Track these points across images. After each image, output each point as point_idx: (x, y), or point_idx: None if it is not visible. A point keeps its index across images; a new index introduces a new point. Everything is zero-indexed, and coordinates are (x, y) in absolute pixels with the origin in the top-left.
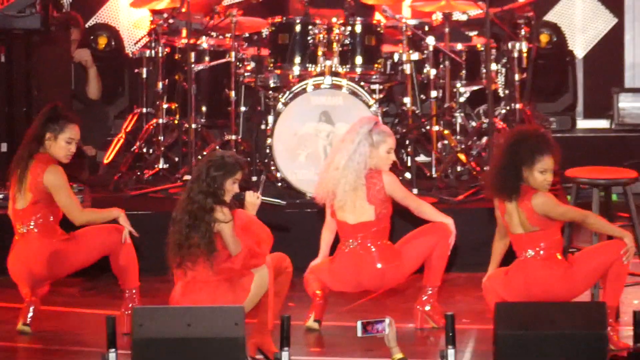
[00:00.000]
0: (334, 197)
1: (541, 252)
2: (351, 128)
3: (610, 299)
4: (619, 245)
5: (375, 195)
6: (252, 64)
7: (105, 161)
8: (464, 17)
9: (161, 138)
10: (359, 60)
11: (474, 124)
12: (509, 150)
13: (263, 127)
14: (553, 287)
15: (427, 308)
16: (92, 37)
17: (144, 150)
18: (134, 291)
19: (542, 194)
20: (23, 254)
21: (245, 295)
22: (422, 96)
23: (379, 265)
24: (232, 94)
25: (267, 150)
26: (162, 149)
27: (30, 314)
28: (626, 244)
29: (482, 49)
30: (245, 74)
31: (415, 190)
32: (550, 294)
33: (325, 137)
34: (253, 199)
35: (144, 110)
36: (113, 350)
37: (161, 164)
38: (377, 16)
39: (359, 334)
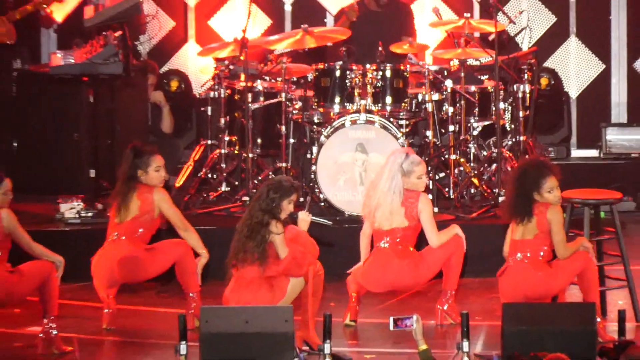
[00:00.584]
0: (377, 212)
1: (528, 254)
2: (387, 159)
3: (593, 298)
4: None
5: (410, 213)
6: (300, 103)
7: (177, 185)
8: (476, 64)
9: (223, 165)
10: (388, 100)
11: (485, 153)
12: (517, 182)
13: (308, 156)
14: (535, 286)
15: (446, 307)
16: (165, 81)
17: (209, 175)
18: (194, 295)
19: (558, 210)
20: (110, 256)
21: (282, 295)
22: (442, 130)
23: (401, 263)
24: (283, 128)
25: (312, 176)
26: (224, 174)
27: (108, 317)
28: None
29: (492, 90)
30: (294, 112)
31: (435, 209)
32: (531, 292)
33: (361, 165)
34: (305, 217)
35: (209, 142)
36: (184, 342)
37: (223, 187)
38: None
39: (391, 327)
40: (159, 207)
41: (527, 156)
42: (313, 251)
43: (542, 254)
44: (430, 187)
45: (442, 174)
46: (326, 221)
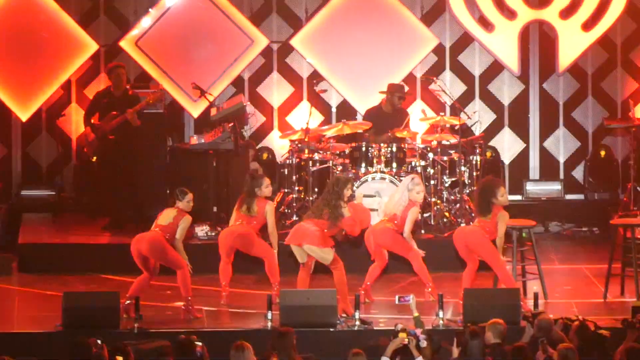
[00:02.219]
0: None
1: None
2: (403, 181)
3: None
4: None
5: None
6: (341, 167)
7: None
8: (447, 143)
9: (294, 204)
10: (394, 165)
11: (452, 197)
12: (481, 192)
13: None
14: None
15: (429, 290)
16: (259, 154)
17: (286, 211)
18: (275, 283)
19: (504, 214)
20: (233, 230)
21: (330, 244)
22: (426, 183)
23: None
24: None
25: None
26: (295, 210)
27: (224, 298)
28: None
29: (457, 159)
30: (337, 172)
31: (422, 231)
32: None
33: (377, 204)
34: (359, 194)
35: (285, 190)
36: (270, 312)
37: (294, 218)
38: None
39: (396, 302)
40: (266, 212)
41: (484, 178)
42: (365, 220)
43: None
44: (419, 218)
45: (426, 214)
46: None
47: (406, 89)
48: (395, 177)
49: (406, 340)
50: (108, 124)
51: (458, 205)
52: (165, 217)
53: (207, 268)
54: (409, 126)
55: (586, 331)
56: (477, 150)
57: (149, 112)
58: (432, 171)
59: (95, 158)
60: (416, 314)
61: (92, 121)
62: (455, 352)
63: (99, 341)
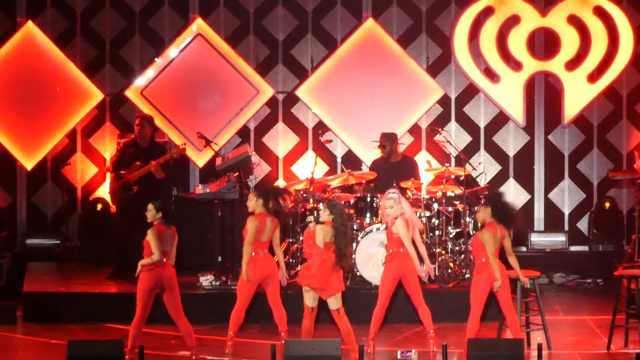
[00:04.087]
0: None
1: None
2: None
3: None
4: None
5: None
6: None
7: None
8: (452, 194)
9: (298, 254)
10: None
11: (457, 248)
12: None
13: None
14: None
15: (432, 342)
16: None
17: (290, 261)
18: (283, 334)
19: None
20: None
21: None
22: (431, 234)
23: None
24: None
25: (353, 261)
26: (300, 259)
27: (229, 347)
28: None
29: (462, 210)
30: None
31: (426, 281)
32: None
33: (382, 255)
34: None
35: (290, 240)
36: None
37: (298, 268)
38: (408, 193)
39: (398, 357)
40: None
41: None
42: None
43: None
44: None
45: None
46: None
47: (404, 135)
48: None
49: None
50: (132, 175)
51: (462, 256)
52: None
53: (211, 318)
54: (418, 177)
55: None
56: (482, 201)
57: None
58: (436, 222)
59: (116, 207)
60: None
61: (120, 171)
62: None
63: None
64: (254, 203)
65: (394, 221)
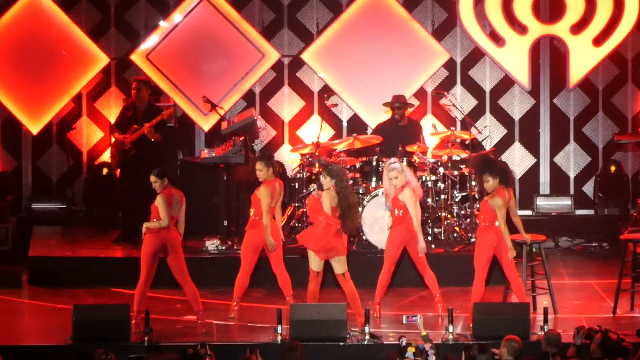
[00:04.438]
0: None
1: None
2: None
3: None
4: None
5: None
6: (351, 181)
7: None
8: (458, 158)
9: (305, 218)
10: None
11: (462, 212)
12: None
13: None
14: None
15: (440, 305)
16: None
17: (297, 225)
18: (288, 298)
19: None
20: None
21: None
22: (437, 198)
23: None
24: None
25: (359, 225)
26: (307, 224)
27: (234, 311)
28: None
29: (467, 174)
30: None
31: (433, 245)
32: None
33: (388, 218)
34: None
35: (296, 204)
36: (280, 326)
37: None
38: (414, 157)
39: (404, 321)
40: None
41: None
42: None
43: None
44: (429, 232)
45: (437, 229)
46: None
47: (411, 99)
48: None
49: (415, 358)
50: (129, 138)
51: (468, 219)
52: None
53: (217, 282)
54: (423, 140)
55: (609, 343)
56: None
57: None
58: (442, 186)
59: (118, 171)
60: (424, 333)
61: (116, 134)
62: None
63: (104, 353)
64: (264, 173)
65: (401, 189)
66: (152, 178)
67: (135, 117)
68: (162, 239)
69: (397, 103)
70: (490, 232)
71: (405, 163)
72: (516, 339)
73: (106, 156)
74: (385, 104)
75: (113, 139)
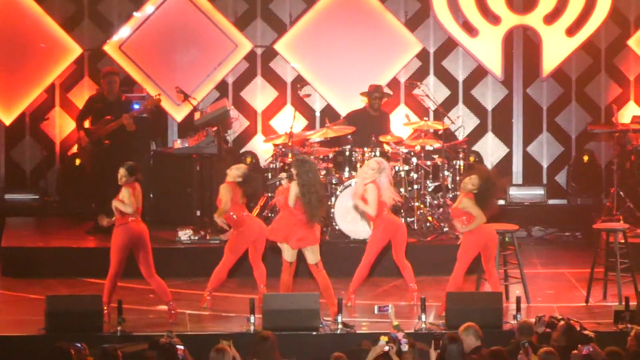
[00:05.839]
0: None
1: None
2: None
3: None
4: None
5: None
6: (325, 171)
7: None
8: (431, 148)
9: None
10: None
11: (435, 202)
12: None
13: (330, 203)
14: None
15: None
16: (243, 158)
17: (269, 215)
18: (262, 287)
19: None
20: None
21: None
22: (409, 188)
23: None
24: None
25: (331, 215)
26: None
27: (206, 301)
28: None
29: (440, 164)
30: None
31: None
32: None
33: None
34: None
35: (269, 194)
36: (253, 315)
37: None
38: (387, 147)
39: (376, 311)
40: None
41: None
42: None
43: None
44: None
45: (410, 219)
46: None
47: (386, 90)
48: None
49: (387, 347)
50: (103, 129)
51: (441, 209)
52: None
53: (190, 272)
54: (390, 129)
55: (572, 332)
56: (461, 155)
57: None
58: (415, 176)
59: (88, 163)
60: (396, 323)
61: (87, 126)
62: (434, 355)
63: (79, 345)
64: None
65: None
66: (122, 171)
67: (105, 108)
68: (132, 232)
69: (377, 93)
70: (480, 231)
71: (378, 154)
72: (473, 325)
73: None
74: (363, 94)
75: (78, 131)
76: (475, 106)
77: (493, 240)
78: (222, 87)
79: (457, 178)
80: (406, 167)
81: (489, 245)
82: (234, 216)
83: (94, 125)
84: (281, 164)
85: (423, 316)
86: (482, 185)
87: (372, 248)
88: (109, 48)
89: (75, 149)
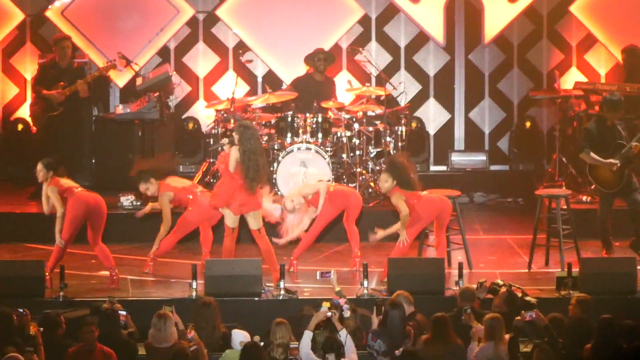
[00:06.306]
0: None
1: None
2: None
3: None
4: None
5: None
6: (267, 137)
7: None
8: (373, 114)
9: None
10: (320, 135)
11: (377, 168)
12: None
13: (272, 169)
14: None
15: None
16: (185, 123)
17: (211, 181)
18: (205, 253)
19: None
20: None
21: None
22: (352, 154)
23: None
24: None
25: (274, 181)
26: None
27: (149, 266)
28: None
29: (382, 130)
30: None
31: None
32: None
33: (302, 174)
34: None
35: (211, 160)
36: (195, 281)
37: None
38: (329, 113)
39: (317, 277)
40: None
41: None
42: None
43: None
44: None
45: (352, 184)
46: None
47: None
48: (321, 147)
49: (329, 313)
50: (58, 94)
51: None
52: None
53: (132, 238)
54: (336, 95)
55: (514, 298)
56: (403, 121)
57: None
58: (357, 142)
59: (38, 128)
60: (338, 289)
61: (43, 92)
62: (376, 321)
63: (21, 311)
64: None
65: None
66: (39, 166)
67: (58, 74)
68: (88, 203)
69: (322, 54)
70: (432, 201)
71: (320, 120)
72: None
73: (22, 112)
74: (307, 60)
75: (33, 96)
76: (417, 72)
77: (447, 209)
78: (164, 52)
79: (400, 144)
80: (348, 133)
81: (442, 214)
82: (190, 197)
83: (47, 91)
84: (223, 129)
85: (365, 282)
86: (394, 173)
87: (321, 221)
88: (51, 14)
89: (22, 113)
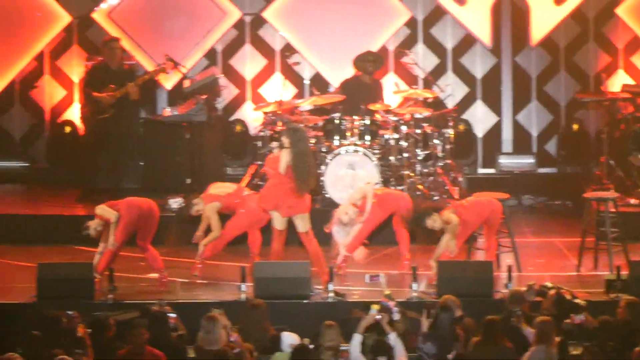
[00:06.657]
0: None
1: None
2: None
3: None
4: None
5: None
6: (314, 140)
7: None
8: (420, 116)
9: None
10: (367, 137)
11: (425, 170)
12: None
13: (320, 171)
14: None
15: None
16: (233, 125)
17: (259, 184)
18: (253, 254)
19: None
20: None
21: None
22: (399, 156)
23: None
24: None
25: (321, 183)
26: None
27: (197, 269)
28: None
29: (430, 132)
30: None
31: None
32: None
33: (350, 177)
34: None
35: (259, 163)
36: (244, 284)
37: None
38: (377, 115)
39: (367, 280)
40: None
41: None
42: None
43: None
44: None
45: (400, 187)
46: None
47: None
48: (369, 149)
49: (378, 316)
50: (111, 97)
51: (431, 178)
52: None
53: (181, 239)
54: (383, 97)
55: (563, 301)
56: (450, 123)
57: None
58: (405, 144)
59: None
60: (387, 292)
61: (94, 94)
62: (425, 324)
63: (70, 313)
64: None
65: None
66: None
67: (109, 77)
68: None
69: (372, 56)
70: (481, 204)
71: (368, 122)
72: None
73: (69, 114)
74: (357, 58)
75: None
76: (464, 74)
77: (497, 212)
78: (211, 55)
79: (447, 146)
80: (396, 135)
81: (491, 217)
82: (237, 201)
83: (99, 94)
84: (271, 132)
85: (414, 285)
86: (431, 212)
87: (369, 224)
88: (97, 16)
89: (69, 115)
